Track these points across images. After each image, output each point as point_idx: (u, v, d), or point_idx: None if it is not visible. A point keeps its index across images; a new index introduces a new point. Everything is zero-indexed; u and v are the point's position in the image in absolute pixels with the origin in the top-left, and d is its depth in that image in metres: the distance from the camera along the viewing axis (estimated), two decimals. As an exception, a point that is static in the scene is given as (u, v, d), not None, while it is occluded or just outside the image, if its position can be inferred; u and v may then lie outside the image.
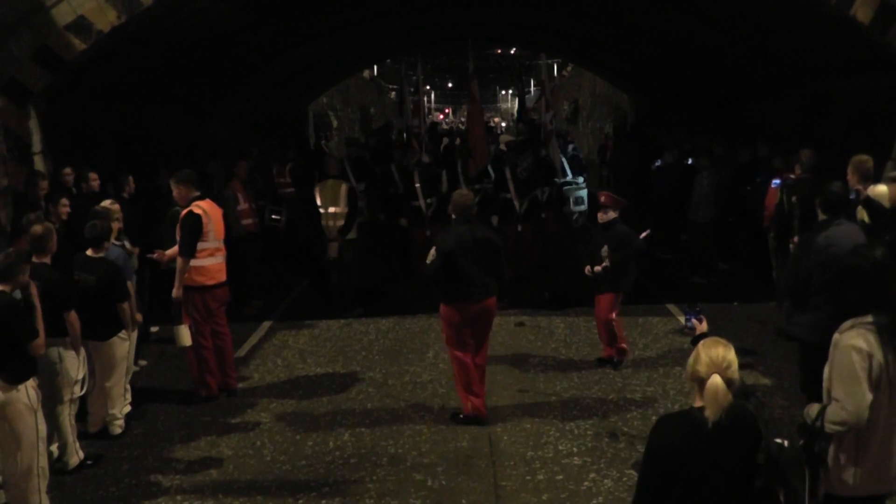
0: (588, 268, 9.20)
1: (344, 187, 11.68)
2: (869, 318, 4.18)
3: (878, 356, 4.11)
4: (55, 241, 6.99)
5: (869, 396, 4.08)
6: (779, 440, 3.77)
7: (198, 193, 8.74)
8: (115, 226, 8.07)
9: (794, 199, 9.59)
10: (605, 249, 9.07)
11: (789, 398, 8.10)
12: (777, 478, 3.73)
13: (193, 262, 8.46)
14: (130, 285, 8.40)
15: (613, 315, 9.25)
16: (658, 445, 3.74)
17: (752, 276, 12.77)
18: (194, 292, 8.55)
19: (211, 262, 8.58)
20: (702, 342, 3.85)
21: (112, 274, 7.48)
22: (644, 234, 9.27)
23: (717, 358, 3.69)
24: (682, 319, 10.87)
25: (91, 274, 7.32)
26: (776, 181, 11.83)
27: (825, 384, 4.30)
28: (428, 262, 7.74)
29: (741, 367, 3.79)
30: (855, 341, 4.13)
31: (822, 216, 6.89)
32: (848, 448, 4.23)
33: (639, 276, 9.55)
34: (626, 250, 9.03)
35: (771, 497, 3.75)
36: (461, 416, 7.97)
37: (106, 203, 8.81)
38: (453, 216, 7.87)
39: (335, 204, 11.55)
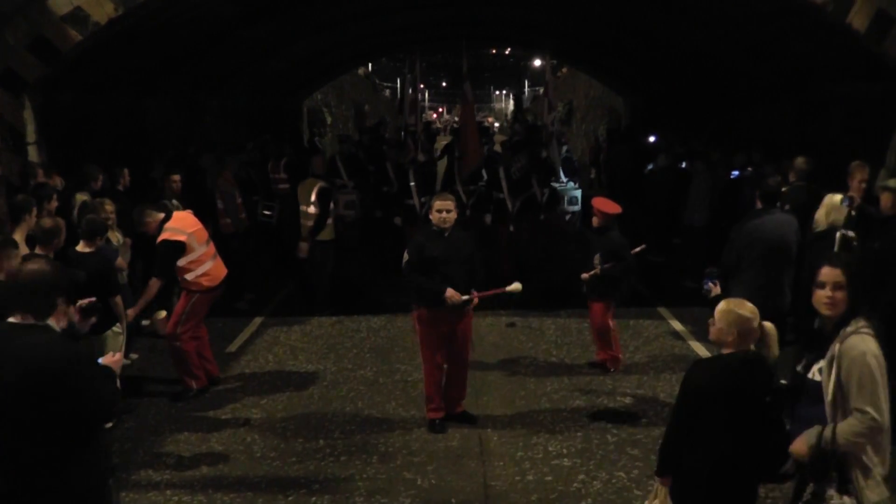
0: (584, 274, 9.18)
1: (316, 187, 11.52)
2: (863, 323, 4.16)
3: (883, 359, 4.12)
4: (63, 238, 6.99)
5: (887, 399, 4.08)
6: (783, 381, 4.39)
7: (162, 216, 8.58)
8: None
9: (786, 207, 9.63)
10: (597, 257, 9.06)
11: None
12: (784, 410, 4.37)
13: (197, 272, 8.48)
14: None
15: (610, 322, 9.26)
16: (699, 382, 4.38)
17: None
18: (201, 294, 8.58)
19: (211, 266, 8.61)
20: (733, 303, 4.45)
21: (103, 268, 7.48)
22: (637, 250, 9.26)
23: (754, 309, 4.42)
24: (673, 323, 11.01)
25: (82, 269, 7.29)
26: (735, 172, 12.35)
27: (830, 397, 4.17)
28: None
29: None
30: (868, 346, 4.10)
31: (759, 205, 8.22)
32: (873, 458, 4.16)
33: (632, 284, 9.52)
34: (617, 264, 9.02)
35: (780, 425, 4.37)
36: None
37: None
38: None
39: (307, 203, 11.47)
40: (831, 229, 8.02)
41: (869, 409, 4.05)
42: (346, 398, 8.65)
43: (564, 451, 7.34)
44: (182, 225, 8.53)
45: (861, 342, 4.12)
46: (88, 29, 9.39)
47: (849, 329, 4.18)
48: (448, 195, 7.91)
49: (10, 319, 4.05)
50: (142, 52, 11.88)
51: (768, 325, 4.35)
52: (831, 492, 4.10)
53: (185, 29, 12.16)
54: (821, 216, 8.16)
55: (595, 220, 9.26)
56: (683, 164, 15.19)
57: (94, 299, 5.17)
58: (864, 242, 7.90)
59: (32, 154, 9.74)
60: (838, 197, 8.18)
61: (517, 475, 6.89)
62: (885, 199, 7.70)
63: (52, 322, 4.08)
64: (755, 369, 4.34)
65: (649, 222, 14.77)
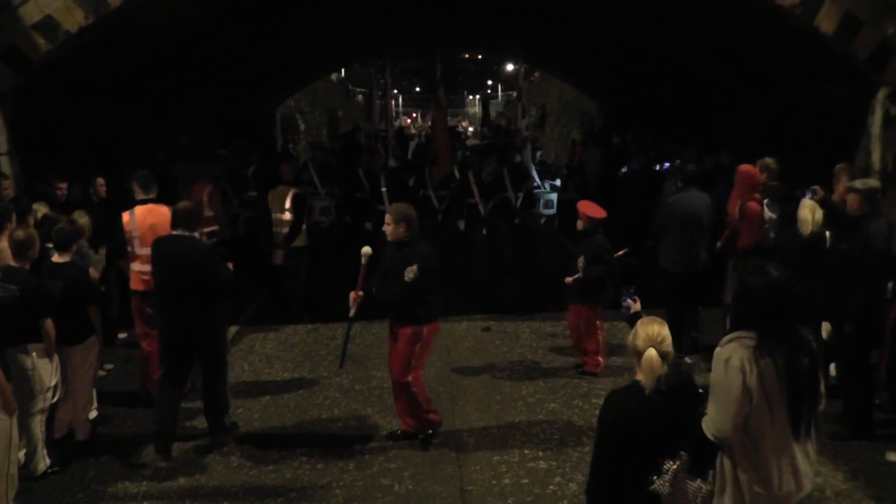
0: (567, 278, 9.24)
1: (290, 193, 11.51)
2: (749, 334, 4.20)
3: (753, 372, 4.11)
4: (37, 248, 6.97)
5: (736, 411, 4.11)
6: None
7: (143, 196, 8.70)
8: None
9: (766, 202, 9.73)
10: (581, 260, 9.13)
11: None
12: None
13: (135, 268, 8.58)
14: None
15: (598, 324, 9.34)
16: (608, 416, 4.30)
17: (715, 280, 12.84)
18: (135, 295, 8.65)
19: (139, 269, 8.57)
20: (639, 321, 4.41)
21: (80, 278, 7.45)
22: (620, 253, 9.36)
23: (652, 333, 4.25)
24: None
25: (59, 279, 7.25)
26: (667, 164, 14.38)
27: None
28: (409, 279, 7.18)
29: (705, 371, 4.04)
30: (729, 355, 4.17)
31: (679, 185, 10.55)
32: (740, 466, 4.25)
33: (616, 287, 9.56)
34: (600, 267, 9.10)
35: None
36: (399, 431, 7.79)
37: (74, 215, 8.86)
38: (409, 231, 7.34)
39: (281, 210, 11.47)
40: (822, 231, 8.11)
41: (711, 412, 4.19)
42: (322, 406, 8.66)
43: (540, 454, 7.39)
44: (142, 216, 8.59)
45: (728, 350, 4.20)
46: (59, 37, 9.36)
47: (731, 336, 4.27)
48: (391, 208, 7.62)
49: (173, 232, 7.46)
50: (113, 60, 11.82)
51: (649, 352, 4.19)
52: (669, 463, 4.18)
53: (156, 36, 12.11)
54: (806, 217, 8.24)
55: (579, 224, 9.33)
56: (657, 167, 15.31)
57: (216, 227, 9.47)
58: (833, 243, 8.00)
59: (5, 164, 9.67)
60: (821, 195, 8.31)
61: (493, 479, 6.93)
62: (852, 201, 7.79)
63: (196, 234, 7.53)
64: (670, 396, 4.21)
65: (623, 225, 14.84)
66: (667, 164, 14.37)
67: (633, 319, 4.67)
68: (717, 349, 4.28)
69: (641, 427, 4.18)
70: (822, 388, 4.36)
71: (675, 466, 4.16)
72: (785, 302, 4.23)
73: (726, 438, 4.16)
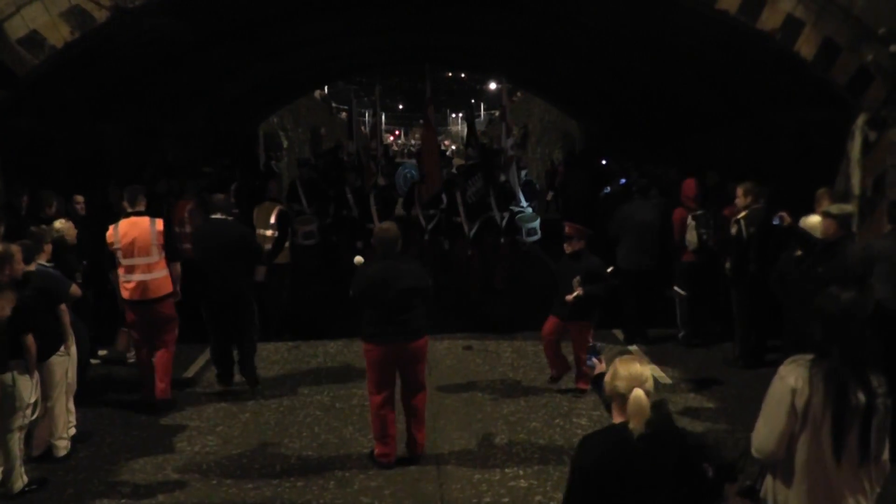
0: (568, 297, 9.22)
1: (276, 210, 11.53)
2: (809, 356, 4.14)
3: (805, 394, 4.04)
4: (14, 263, 6.91)
5: (781, 429, 4.09)
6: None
7: (130, 210, 8.85)
8: (48, 248, 8.01)
9: (751, 230, 9.82)
10: (576, 280, 9.15)
11: (733, 422, 8.27)
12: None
13: (122, 277, 8.77)
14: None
15: (591, 341, 9.35)
16: (585, 463, 3.93)
17: (697, 302, 12.92)
18: (126, 304, 8.91)
19: (123, 278, 8.76)
20: (618, 359, 4.07)
21: (48, 280, 7.44)
22: (608, 271, 9.42)
23: (635, 373, 3.95)
24: (627, 346, 11.13)
25: (29, 286, 7.18)
26: (623, 180, 15.44)
27: None
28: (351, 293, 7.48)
29: (686, 392, 4.01)
30: (785, 374, 4.14)
31: (635, 197, 11.83)
32: (778, 487, 4.24)
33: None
34: (600, 283, 9.16)
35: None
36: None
37: (59, 223, 8.83)
38: (380, 250, 7.44)
39: (265, 227, 11.47)
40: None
41: (758, 427, 4.19)
42: (302, 423, 8.64)
43: (521, 472, 7.40)
44: (126, 229, 8.75)
45: (787, 369, 4.16)
46: (45, 52, 9.36)
47: (795, 356, 4.23)
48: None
49: (212, 216, 9.45)
50: (98, 76, 11.82)
51: (636, 393, 3.88)
52: (727, 486, 4.16)
53: (141, 53, 12.13)
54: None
55: (573, 244, 9.31)
56: (633, 188, 15.44)
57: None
58: (808, 267, 8.09)
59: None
60: (814, 218, 8.41)
61: (474, 498, 6.93)
62: (827, 226, 7.88)
63: (230, 218, 9.44)
64: (654, 440, 3.90)
65: (604, 244, 14.91)
66: (623, 181, 15.51)
67: (598, 379, 4.40)
68: (780, 367, 4.22)
69: (626, 474, 3.86)
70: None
71: (732, 490, 4.13)
72: (845, 329, 4.09)
73: (769, 455, 4.15)
